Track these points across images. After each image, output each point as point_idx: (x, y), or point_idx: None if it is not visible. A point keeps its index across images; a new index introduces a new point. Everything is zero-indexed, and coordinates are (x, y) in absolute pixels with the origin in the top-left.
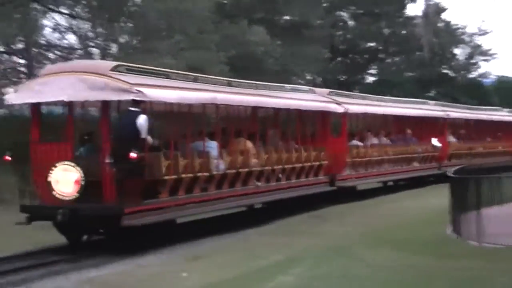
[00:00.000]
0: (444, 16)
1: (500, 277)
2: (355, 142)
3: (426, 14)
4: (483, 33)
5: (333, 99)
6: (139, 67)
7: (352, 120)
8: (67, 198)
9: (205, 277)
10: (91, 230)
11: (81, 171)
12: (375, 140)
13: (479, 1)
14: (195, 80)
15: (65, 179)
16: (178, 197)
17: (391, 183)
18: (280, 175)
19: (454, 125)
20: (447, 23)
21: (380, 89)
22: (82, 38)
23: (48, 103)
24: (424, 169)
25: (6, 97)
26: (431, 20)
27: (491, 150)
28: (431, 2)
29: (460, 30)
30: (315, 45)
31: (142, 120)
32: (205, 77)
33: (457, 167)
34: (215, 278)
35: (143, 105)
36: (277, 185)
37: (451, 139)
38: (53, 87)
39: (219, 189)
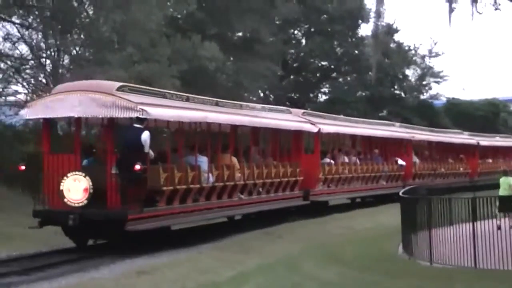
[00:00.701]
0: (396, 37)
1: None
2: (327, 159)
3: (375, 34)
4: (435, 55)
5: (307, 119)
6: (140, 88)
7: (324, 139)
8: (76, 205)
9: None
10: (97, 234)
11: (89, 180)
12: (345, 159)
13: (432, 24)
14: (187, 100)
15: (75, 187)
16: (174, 206)
17: (359, 200)
18: (260, 189)
19: (418, 147)
20: (399, 44)
21: (332, 107)
22: (34, 48)
23: (59, 119)
24: (390, 187)
25: (21, 112)
26: (380, 41)
27: (452, 171)
28: (381, 23)
29: (412, 51)
30: (267, 62)
31: (145, 136)
32: (196, 97)
33: (408, 187)
34: None
35: (145, 122)
36: (258, 198)
37: (416, 159)
38: (64, 104)
39: (208, 200)
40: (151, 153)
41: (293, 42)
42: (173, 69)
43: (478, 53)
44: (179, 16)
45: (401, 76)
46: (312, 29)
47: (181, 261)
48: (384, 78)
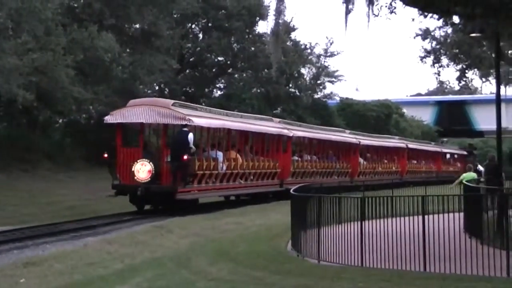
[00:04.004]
0: (293, 35)
1: None
2: (296, 157)
3: (275, 32)
4: (330, 54)
5: (284, 126)
6: (184, 103)
7: (294, 141)
8: (143, 181)
9: (43, 283)
10: (155, 202)
11: (152, 165)
12: (308, 157)
13: (329, 23)
14: (210, 111)
15: (142, 169)
16: (202, 185)
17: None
18: (252, 177)
19: (363, 150)
20: (296, 43)
21: (227, 103)
22: None
23: (131, 124)
24: (340, 181)
25: (106, 118)
26: (281, 39)
27: (387, 169)
28: (281, 21)
29: (308, 50)
30: (164, 55)
31: (190, 136)
32: (214, 110)
33: (299, 185)
34: (53, 284)
35: (190, 127)
36: (250, 183)
37: (361, 160)
38: (135, 113)
39: (221, 183)
40: (193, 148)
41: (191, 36)
42: (68, 59)
43: (373, 54)
44: (76, 5)
45: (296, 75)
46: (210, 24)
47: (69, 253)
48: (280, 76)
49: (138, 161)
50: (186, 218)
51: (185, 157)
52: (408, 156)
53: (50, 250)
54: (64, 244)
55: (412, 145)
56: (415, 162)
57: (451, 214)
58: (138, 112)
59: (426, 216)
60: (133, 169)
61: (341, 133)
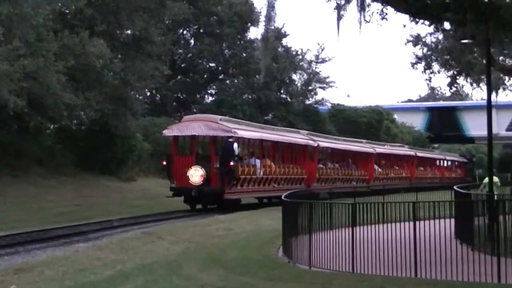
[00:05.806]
0: (284, 41)
1: None
2: (320, 165)
3: (265, 38)
4: (321, 60)
5: (310, 138)
6: (229, 119)
7: (319, 150)
8: (196, 184)
9: None
10: (206, 202)
11: (204, 170)
12: (331, 165)
13: (322, 29)
14: (248, 125)
15: (195, 174)
16: (243, 187)
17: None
18: (283, 182)
19: (378, 157)
20: (287, 49)
21: (219, 109)
22: None
23: (184, 136)
24: (358, 187)
25: (164, 131)
26: (270, 45)
27: (398, 175)
28: (271, 27)
29: (299, 56)
30: (155, 61)
31: (235, 146)
32: (251, 123)
33: (290, 192)
34: None
35: (234, 138)
36: (282, 187)
37: (376, 167)
38: (189, 128)
39: (259, 186)
40: (239, 149)
41: (182, 42)
42: (59, 65)
43: (364, 61)
44: (67, 11)
45: (287, 81)
46: (201, 30)
47: (60, 260)
48: (271, 82)
49: (192, 167)
50: (177, 224)
51: (231, 163)
52: (416, 163)
53: (40, 256)
54: (54, 250)
55: (420, 153)
56: (422, 168)
57: (442, 220)
58: (192, 126)
59: (417, 222)
60: (187, 174)
61: (359, 143)
